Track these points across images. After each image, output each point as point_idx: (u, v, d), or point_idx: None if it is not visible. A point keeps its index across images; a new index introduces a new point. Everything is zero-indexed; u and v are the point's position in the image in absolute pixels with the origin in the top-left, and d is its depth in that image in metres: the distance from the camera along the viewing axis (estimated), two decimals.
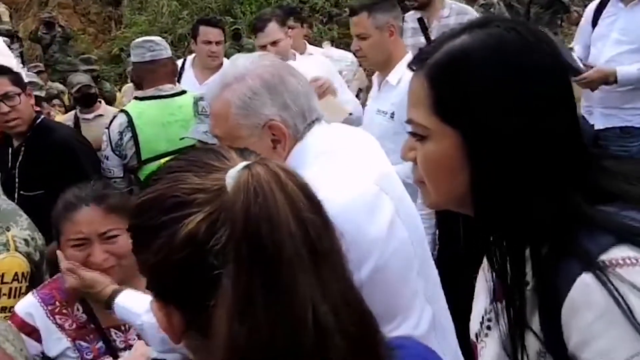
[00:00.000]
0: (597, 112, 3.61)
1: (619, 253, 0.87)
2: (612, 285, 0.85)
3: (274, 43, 3.64)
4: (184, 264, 0.73)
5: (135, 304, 1.66)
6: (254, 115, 1.47)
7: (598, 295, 0.86)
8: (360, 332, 0.73)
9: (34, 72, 6.81)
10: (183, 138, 2.73)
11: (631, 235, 0.88)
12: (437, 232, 3.04)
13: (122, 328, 1.84)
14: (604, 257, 0.88)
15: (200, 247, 0.72)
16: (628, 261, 0.87)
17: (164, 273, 0.76)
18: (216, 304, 0.70)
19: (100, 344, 1.82)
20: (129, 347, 1.80)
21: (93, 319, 1.84)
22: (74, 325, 1.83)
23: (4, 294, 2.25)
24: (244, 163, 0.74)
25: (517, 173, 0.94)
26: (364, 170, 1.50)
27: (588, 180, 0.96)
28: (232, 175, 0.73)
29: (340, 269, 0.75)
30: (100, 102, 5.30)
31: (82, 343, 1.82)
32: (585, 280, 0.87)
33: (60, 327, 1.83)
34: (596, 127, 3.60)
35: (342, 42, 7.91)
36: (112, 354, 1.81)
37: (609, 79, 3.42)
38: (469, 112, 0.95)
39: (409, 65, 1.05)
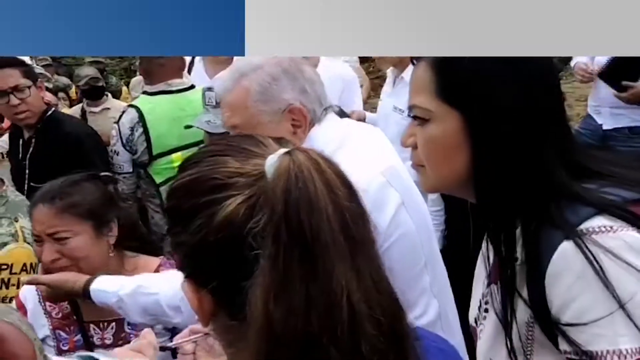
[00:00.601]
0: (605, 111, 3.59)
1: (596, 222, 0.95)
2: (587, 249, 0.92)
3: None
4: (221, 246, 0.73)
5: (109, 284, 1.66)
6: (275, 100, 1.50)
7: (575, 259, 0.92)
8: (389, 322, 0.73)
9: (41, 66, 6.81)
10: (189, 127, 2.72)
11: (608, 207, 0.96)
12: (445, 229, 3.04)
13: (101, 325, 1.83)
14: (583, 226, 0.95)
15: (238, 230, 0.72)
16: (604, 229, 0.94)
17: (199, 254, 0.76)
18: (252, 286, 0.71)
19: (79, 337, 1.82)
20: (104, 345, 1.80)
21: (76, 311, 1.83)
22: (60, 315, 1.84)
23: (12, 285, 2.27)
24: (285, 149, 0.75)
25: (513, 151, 1.00)
26: (371, 161, 1.52)
27: (574, 161, 1.03)
28: (273, 160, 0.73)
29: (374, 258, 0.76)
30: (107, 95, 5.31)
31: (62, 333, 1.83)
32: (565, 247, 0.94)
33: (48, 314, 1.84)
34: (604, 127, 3.59)
35: None
36: (87, 349, 1.79)
37: None
38: (471, 95, 1.02)
39: (412, 60, 1.12)
